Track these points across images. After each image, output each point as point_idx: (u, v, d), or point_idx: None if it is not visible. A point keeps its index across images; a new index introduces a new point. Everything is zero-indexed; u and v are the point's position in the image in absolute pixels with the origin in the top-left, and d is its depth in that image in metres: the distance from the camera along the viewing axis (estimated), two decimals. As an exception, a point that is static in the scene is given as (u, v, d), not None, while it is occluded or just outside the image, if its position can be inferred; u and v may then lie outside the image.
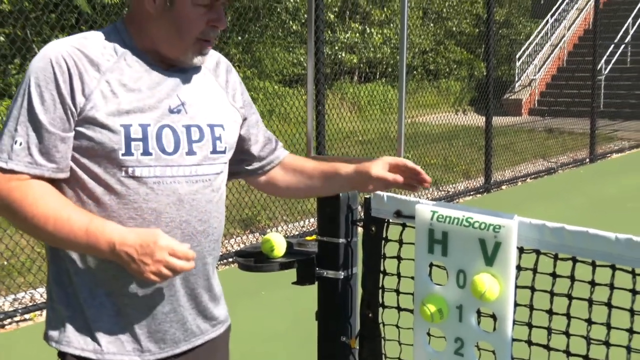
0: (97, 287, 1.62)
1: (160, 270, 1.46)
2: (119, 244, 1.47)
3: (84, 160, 1.58)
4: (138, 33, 1.65)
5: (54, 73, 1.55)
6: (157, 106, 1.62)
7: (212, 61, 1.81)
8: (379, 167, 1.81)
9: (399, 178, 1.80)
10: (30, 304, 4.86)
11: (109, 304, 1.63)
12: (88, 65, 1.59)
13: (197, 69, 1.73)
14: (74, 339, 1.64)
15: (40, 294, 5.03)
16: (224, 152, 1.73)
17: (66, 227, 1.50)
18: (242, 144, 1.87)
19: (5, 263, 5.53)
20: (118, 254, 1.48)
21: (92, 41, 1.64)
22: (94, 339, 1.64)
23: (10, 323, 4.62)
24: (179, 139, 1.63)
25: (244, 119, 1.85)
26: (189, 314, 1.71)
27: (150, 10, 1.60)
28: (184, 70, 1.69)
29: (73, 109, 1.56)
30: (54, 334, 1.68)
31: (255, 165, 1.93)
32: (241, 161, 1.90)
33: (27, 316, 4.72)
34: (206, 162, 1.68)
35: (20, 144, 1.54)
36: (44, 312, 4.80)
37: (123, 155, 1.56)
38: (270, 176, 1.96)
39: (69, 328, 1.64)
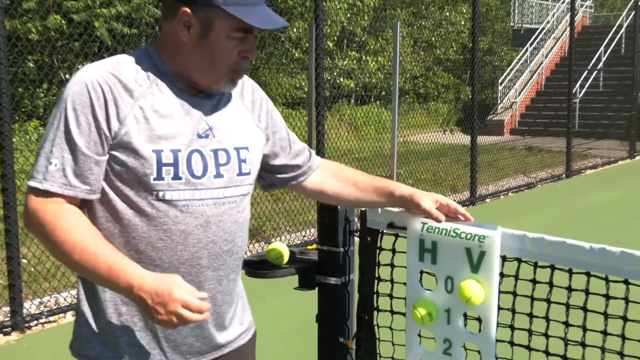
0: (123, 303, 1.55)
1: (172, 320, 1.38)
2: (137, 288, 1.39)
3: (117, 183, 1.51)
4: (171, 59, 1.58)
5: (90, 98, 1.48)
6: (187, 132, 1.55)
7: (239, 84, 1.73)
8: (429, 202, 1.72)
9: (442, 217, 1.70)
10: (55, 307, 4.84)
11: (135, 319, 1.56)
12: (122, 90, 1.51)
13: (224, 93, 1.67)
14: (101, 354, 1.58)
15: (64, 298, 5.01)
16: (248, 173, 1.65)
17: (92, 261, 1.43)
18: (271, 156, 1.79)
19: (32, 269, 5.52)
20: (134, 296, 1.41)
21: (126, 66, 1.55)
22: (121, 353, 1.57)
23: (36, 325, 4.60)
24: (207, 163, 1.56)
25: (268, 137, 1.76)
26: (214, 330, 1.64)
27: (185, 39, 1.54)
28: (211, 96, 1.63)
29: (108, 134, 1.48)
30: (81, 347, 1.61)
31: (289, 174, 1.83)
32: (273, 171, 1.82)
33: (51, 318, 4.70)
34: (232, 184, 1.60)
35: (56, 165, 1.47)
36: (67, 315, 4.78)
37: (154, 179, 1.50)
38: (319, 185, 1.86)
39: (96, 342, 1.58)
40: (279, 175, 1.82)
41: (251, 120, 1.71)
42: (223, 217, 1.58)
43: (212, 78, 1.57)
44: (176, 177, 1.52)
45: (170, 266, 1.54)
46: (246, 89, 1.74)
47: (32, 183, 1.47)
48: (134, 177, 1.50)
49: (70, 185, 1.47)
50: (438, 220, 1.69)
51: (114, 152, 1.50)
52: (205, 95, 1.61)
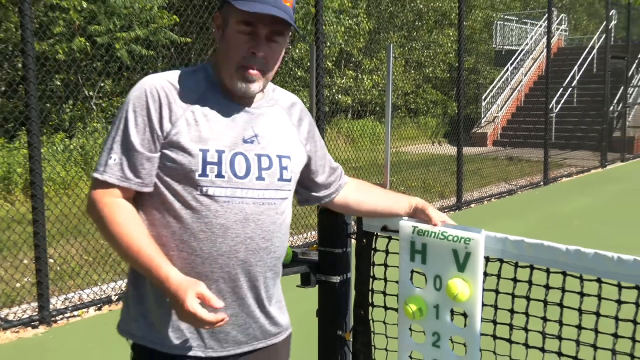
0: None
1: (189, 321, 1.44)
2: (165, 290, 1.44)
3: (166, 178, 1.53)
4: (217, 68, 1.61)
5: (147, 101, 1.53)
6: (232, 136, 1.56)
7: (288, 101, 1.74)
8: (434, 211, 1.76)
9: (439, 223, 1.74)
10: (79, 302, 4.83)
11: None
12: (177, 96, 1.55)
13: (272, 107, 1.67)
14: (146, 334, 1.58)
15: (87, 295, 5.01)
16: (289, 180, 1.64)
17: (134, 255, 1.47)
18: (309, 175, 1.78)
19: (58, 268, 5.52)
20: (165, 294, 1.46)
21: (183, 77, 1.59)
22: (162, 335, 1.57)
23: (61, 319, 4.60)
24: (250, 165, 1.56)
25: (310, 157, 1.76)
26: (252, 320, 1.62)
27: (217, 39, 1.60)
28: (258, 107, 1.63)
29: (160, 133, 1.52)
30: (128, 327, 1.62)
31: (323, 192, 1.82)
32: (310, 189, 1.81)
33: (75, 313, 4.69)
34: (273, 187, 1.59)
35: (114, 160, 1.52)
36: (90, 310, 4.78)
37: (199, 176, 1.51)
38: (344, 200, 1.86)
39: (142, 323, 1.59)
40: (313, 193, 1.82)
41: (296, 135, 1.71)
42: (262, 217, 1.57)
43: (227, 74, 1.57)
44: (219, 175, 1.53)
45: (209, 257, 1.54)
46: (295, 109, 1.74)
47: (95, 174, 1.53)
48: (182, 173, 1.52)
49: (125, 178, 1.52)
50: (435, 225, 1.71)
51: (165, 151, 1.53)
52: (254, 106, 1.63)
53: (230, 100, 1.60)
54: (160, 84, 1.55)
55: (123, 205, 1.52)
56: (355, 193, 1.86)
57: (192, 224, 1.53)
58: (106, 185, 1.52)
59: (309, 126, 1.76)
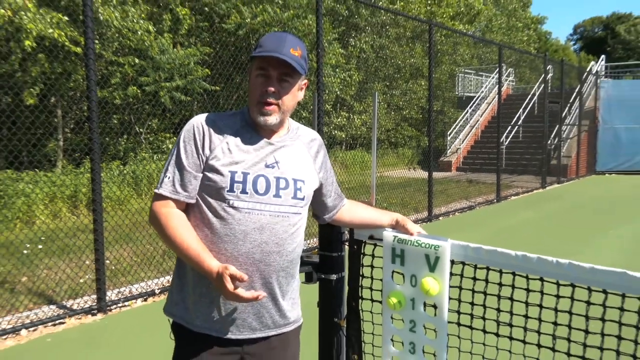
0: (201, 284, 1.58)
1: (232, 299, 1.49)
2: (209, 277, 1.50)
3: (203, 194, 1.57)
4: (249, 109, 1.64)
5: (194, 133, 1.58)
6: (257, 161, 1.58)
7: (308, 137, 1.73)
8: (412, 225, 1.76)
9: (415, 234, 1.74)
10: (129, 295, 4.81)
11: (206, 298, 1.58)
12: (216, 130, 1.59)
13: (292, 139, 1.68)
14: (184, 315, 1.61)
15: (135, 289, 4.98)
16: (302, 199, 1.63)
17: (185, 251, 1.52)
18: (321, 197, 1.79)
19: (113, 268, 5.50)
20: (205, 273, 1.50)
21: (223, 116, 1.64)
22: (194, 317, 1.59)
23: (115, 308, 4.57)
24: (269, 185, 1.57)
25: (321, 183, 1.76)
26: (265, 311, 1.61)
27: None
28: (282, 141, 1.64)
29: (203, 158, 1.57)
30: (171, 309, 1.65)
31: (327, 214, 1.83)
32: (320, 208, 1.82)
33: (126, 303, 4.66)
34: (287, 203, 1.59)
35: (169, 178, 1.57)
36: (138, 301, 4.75)
37: (227, 192, 1.54)
38: (340, 216, 1.86)
39: (182, 306, 1.62)
40: (323, 212, 1.83)
41: (312, 165, 1.70)
42: (276, 226, 1.57)
43: (252, 110, 1.60)
44: (244, 191, 1.55)
45: (232, 256, 1.54)
46: (314, 143, 1.74)
47: (155, 190, 1.59)
48: (215, 189, 1.55)
49: (176, 192, 1.57)
50: (412, 235, 1.71)
51: (205, 172, 1.57)
52: (276, 140, 1.64)
53: (258, 135, 1.62)
54: (205, 121, 1.60)
55: (175, 214, 1.56)
56: (349, 211, 1.86)
57: (220, 229, 1.54)
58: (162, 197, 1.57)
59: (323, 158, 1.77)
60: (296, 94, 1.64)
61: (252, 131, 1.62)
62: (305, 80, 1.68)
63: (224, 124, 1.61)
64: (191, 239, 1.53)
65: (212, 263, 1.49)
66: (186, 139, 1.59)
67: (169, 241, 1.54)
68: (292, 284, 1.69)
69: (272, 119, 1.58)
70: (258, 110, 1.57)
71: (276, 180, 1.59)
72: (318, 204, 1.80)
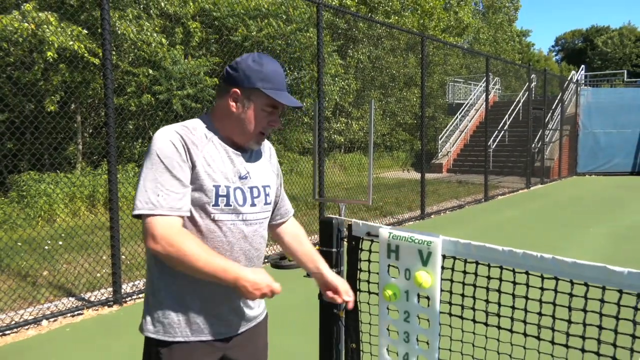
0: (185, 293, 1.49)
1: (266, 294, 1.40)
2: (242, 280, 1.37)
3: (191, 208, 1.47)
4: (220, 124, 1.53)
5: (174, 147, 1.42)
6: (233, 174, 1.51)
7: (265, 144, 1.71)
8: (334, 281, 1.71)
9: (336, 298, 1.71)
10: (143, 288, 4.80)
11: (195, 305, 1.50)
12: (192, 143, 1.44)
13: (256, 150, 1.64)
14: (161, 328, 1.49)
15: (149, 282, 4.99)
16: (270, 203, 1.63)
17: (211, 273, 1.37)
18: (276, 198, 1.75)
19: (128, 262, 5.49)
20: (239, 287, 1.38)
21: (191, 128, 1.49)
22: (181, 327, 1.49)
23: (130, 300, 4.56)
24: (246, 196, 1.52)
25: (277, 185, 1.73)
26: (246, 308, 1.60)
27: (233, 110, 1.50)
28: (247, 151, 1.59)
29: (189, 171, 1.43)
30: (146, 327, 1.51)
31: (275, 218, 1.77)
32: (274, 210, 1.76)
33: (140, 296, 4.66)
34: (261, 210, 1.57)
35: (161, 196, 1.38)
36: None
37: (213, 206, 1.46)
38: (282, 233, 1.79)
39: (160, 323, 1.49)
40: (273, 214, 1.76)
41: (269, 168, 1.68)
42: (255, 233, 1.57)
43: (246, 138, 1.53)
44: (227, 204, 1.48)
45: None
46: (266, 148, 1.71)
47: (149, 212, 1.37)
48: (200, 203, 1.45)
49: (176, 209, 1.40)
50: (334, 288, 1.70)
51: (193, 185, 1.45)
52: (244, 151, 1.58)
53: (228, 146, 1.53)
54: (179, 133, 1.44)
55: (185, 233, 1.39)
56: (290, 236, 1.80)
57: (208, 242, 1.47)
58: (163, 218, 1.37)
59: (276, 161, 1.76)
60: None
61: (220, 143, 1.52)
62: None
63: (194, 134, 1.47)
64: (211, 254, 1.39)
65: (238, 271, 1.39)
66: (169, 153, 1.40)
67: (194, 269, 1.36)
68: None
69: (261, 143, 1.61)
70: (256, 140, 1.55)
71: (250, 190, 1.55)
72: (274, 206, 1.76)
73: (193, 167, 1.44)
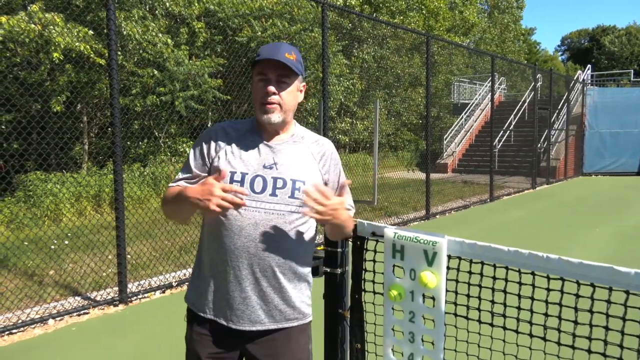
0: (210, 267, 1.61)
1: (220, 203, 1.40)
2: (190, 196, 1.46)
3: None
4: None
5: (203, 139, 1.64)
6: (256, 163, 1.58)
7: (312, 139, 1.69)
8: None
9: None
10: (148, 287, 4.82)
11: (212, 287, 1.60)
12: (224, 136, 1.63)
13: (295, 142, 1.65)
14: (196, 301, 1.65)
15: (154, 282, 4.98)
16: (299, 199, 1.58)
17: (171, 198, 1.59)
18: None
19: (134, 262, 5.51)
20: (191, 201, 1.45)
21: (233, 123, 1.67)
22: (204, 303, 1.62)
23: (135, 299, 4.58)
24: (267, 184, 1.56)
25: (326, 184, 1.68)
26: (263, 303, 1.58)
27: None
28: (282, 144, 1.63)
29: (208, 160, 1.61)
30: (187, 295, 1.70)
31: None
32: None
33: (146, 295, 4.67)
34: (283, 202, 1.56)
35: (179, 177, 1.64)
36: (157, 293, 4.75)
37: None
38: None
39: (196, 293, 1.65)
40: None
41: (316, 166, 1.66)
42: (270, 223, 1.55)
43: (257, 112, 1.60)
44: None
45: (228, 249, 1.55)
46: (317, 146, 1.69)
47: (169, 185, 1.65)
48: None
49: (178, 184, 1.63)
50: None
51: (211, 172, 1.59)
52: (276, 143, 1.63)
53: (261, 138, 1.63)
54: (216, 128, 1.65)
55: (171, 189, 1.62)
56: None
57: (220, 225, 1.56)
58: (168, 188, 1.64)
59: (329, 162, 1.71)
60: (296, 95, 1.63)
61: (256, 135, 1.63)
62: (304, 83, 1.67)
63: (232, 129, 1.65)
64: (174, 189, 1.59)
65: (189, 190, 1.50)
66: (197, 144, 1.64)
67: (169, 207, 1.60)
68: (299, 282, 1.65)
69: (275, 117, 1.57)
70: (262, 111, 1.57)
71: (273, 180, 1.57)
72: None
73: (216, 155, 1.60)
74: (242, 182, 1.55)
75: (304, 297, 1.68)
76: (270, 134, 1.63)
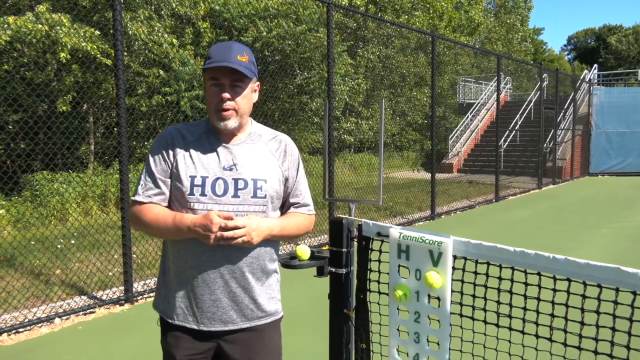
0: (179, 274, 1.59)
1: (220, 238, 1.46)
2: (192, 226, 1.48)
3: (173, 199, 1.59)
4: None
5: (160, 144, 1.60)
6: (215, 166, 1.57)
7: (268, 137, 1.68)
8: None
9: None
10: (154, 286, 4.84)
11: (184, 286, 1.59)
12: (181, 139, 1.60)
13: (252, 141, 1.64)
14: (165, 309, 1.64)
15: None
16: (263, 197, 1.59)
17: (162, 225, 1.54)
18: (285, 194, 1.72)
19: (139, 261, 5.53)
20: (193, 230, 1.48)
21: (189, 126, 1.64)
22: (172, 310, 1.61)
23: (141, 298, 4.60)
24: (227, 186, 1.55)
25: (286, 178, 1.69)
26: (234, 304, 1.59)
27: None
28: (239, 144, 1.62)
29: (168, 165, 1.58)
30: (155, 303, 1.69)
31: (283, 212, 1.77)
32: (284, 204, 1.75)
33: (151, 294, 4.69)
34: (247, 203, 1.56)
35: (142, 185, 1.59)
36: (162, 292, 4.78)
37: (188, 195, 1.54)
38: None
39: (164, 301, 1.65)
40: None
41: (275, 163, 1.66)
42: None
43: (212, 118, 1.59)
44: (203, 194, 1.55)
45: (197, 253, 1.55)
46: (274, 142, 1.69)
47: (132, 198, 1.63)
48: (179, 193, 1.56)
49: (149, 197, 1.58)
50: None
51: (172, 178, 1.58)
52: (234, 143, 1.62)
53: (218, 140, 1.61)
54: (171, 132, 1.62)
55: (146, 208, 1.58)
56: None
57: None
58: (137, 203, 1.59)
59: (288, 157, 1.70)
60: (251, 97, 1.62)
61: (212, 137, 1.61)
62: (258, 82, 1.65)
63: (187, 132, 1.62)
64: (166, 214, 1.55)
65: (190, 218, 1.50)
66: (154, 150, 1.60)
67: (150, 227, 1.55)
68: (268, 279, 1.66)
69: (232, 123, 1.57)
70: (218, 117, 1.56)
71: (234, 181, 1.56)
72: (285, 200, 1.73)
73: (175, 160, 1.57)
74: (202, 186, 1.54)
75: (274, 293, 1.70)
76: (227, 136, 1.62)
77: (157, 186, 1.58)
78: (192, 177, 1.55)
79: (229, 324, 1.59)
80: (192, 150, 1.58)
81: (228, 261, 1.56)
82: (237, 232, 1.47)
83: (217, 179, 1.55)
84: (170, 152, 1.58)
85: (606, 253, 6.11)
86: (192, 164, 1.57)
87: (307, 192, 1.79)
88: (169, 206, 1.59)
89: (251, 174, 1.59)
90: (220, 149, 1.60)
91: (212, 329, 1.58)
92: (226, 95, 1.53)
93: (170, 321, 1.61)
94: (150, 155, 1.60)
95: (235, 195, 1.56)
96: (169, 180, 1.58)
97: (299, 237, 1.78)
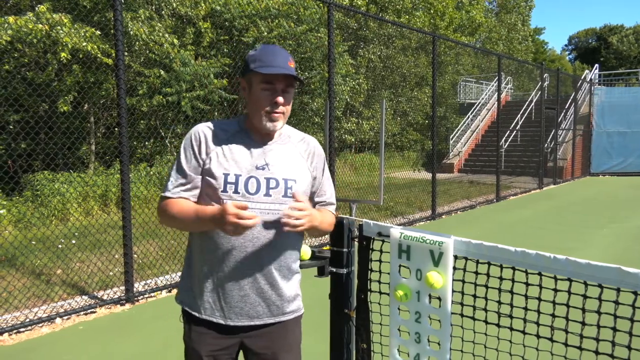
0: (206, 267, 1.61)
1: (237, 228, 1.43)
2: (210, 218, 1.49)
3: (204, 195, 1.60)
4: (248, 117, 1.66)
5: (192, 141, 1.61)
6: (248, 164, 1.59)
7: (298, 138, 1.72)
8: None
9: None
10: (154, 286, 4.84)
11: (210, 280, 1.61)
12: (212, 136, 1.61)
13: (283, 142, 1.68)
14: (191, 302, 1.65)
15: (160, 281, 5.01)
16: (293, 197, 1.60)
17: (187, 217, 1.56)
18: (312, 195, 1.76)
19: (140, 261, 5.53)
20: (213, 220, 1.48)
21: (220, 123, 1.66)
22: (199, 304, 1.63)
23: (142, 298, 4.60)
24: (260, 185, 1.58)
25: (314, 178, 1.73)
26: (261, 300, 1.62)
27: (245, 97, 1.64)
28: (272, 144, 1.65)
29: (201, 162, 1.59)
30: (179, 296, 1.70)
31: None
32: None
33: (152, 294, 4.69)
34: (278, 201, 1.59)
35: (172, 182, 1.61)
36: (163, 292, 4.77)
37: (221, 192, 1.56)
38: None
39: (189, 294, 1.66)
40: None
41: (304, 163, 1.70)
42: (266, 222, 1.59)
43: (258, 119, 1.61)
44: (236, 191, 1.57)
45: (226, 249, 1.57)
46: (303, 144, 1.72)
47: (161, 194, 1.64)
48: (211, 190, 1.57)
49: (179, 193, 1.61)
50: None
51: (204, 176, 1.59)
52: (268, 142, 1.65)
53: (251, 140, 1.64)
54: (202, 129, 1.63)
55: (173, 202, 1.60)
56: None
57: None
58: (166, 199, 1.61)
59: (315, 158, 1.74)
60: (292, 100, 1.67)
61: (246, 136, 1.64)
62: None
63: (220, 130, 1.63)
64: (189, 208, 1.56)
65: (212, 208, 1.51)
66: (186, 146, 1.62)
67: (175, 219, 1.57)
68: (292, 277, 1.70)
69: (279, 125, 1.62)
70: (268, 119, 1.59)
71: (266, 180, 1.59)
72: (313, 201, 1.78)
73: (207, 157, 1.59)
74: (236, 184, 1.57)
75: (298, 290, 1.75)
76: (260, 136, 1.64)
77: (187, 182, 1.60)
78: (226, 175, 1.57)
79: (255, 319, 1.62)
80: (225, 148, 1.60)
81: (258, 258, 1.59)
82: (301, 213, 1.49)
83: (250, 177, 1.58)
84: (203, 149, 1.60)
85: (607, 253, 6.10)
86: (225, 161, 1.59)
87: (332, 192, 1.83)
88: (199, 202, 1.61)
89: (282, 174, 1.63)
90: (253, 148, 1.63)
91: (239, 323, 1.62)
92: (280, 99, 1.58)
93: (197, 315, 1.62)
94: (181, 151, 1.62)
95: (267, 194, 1.59)
96: (199, 177, 1.60)
97: (326, 234, 1.82)
